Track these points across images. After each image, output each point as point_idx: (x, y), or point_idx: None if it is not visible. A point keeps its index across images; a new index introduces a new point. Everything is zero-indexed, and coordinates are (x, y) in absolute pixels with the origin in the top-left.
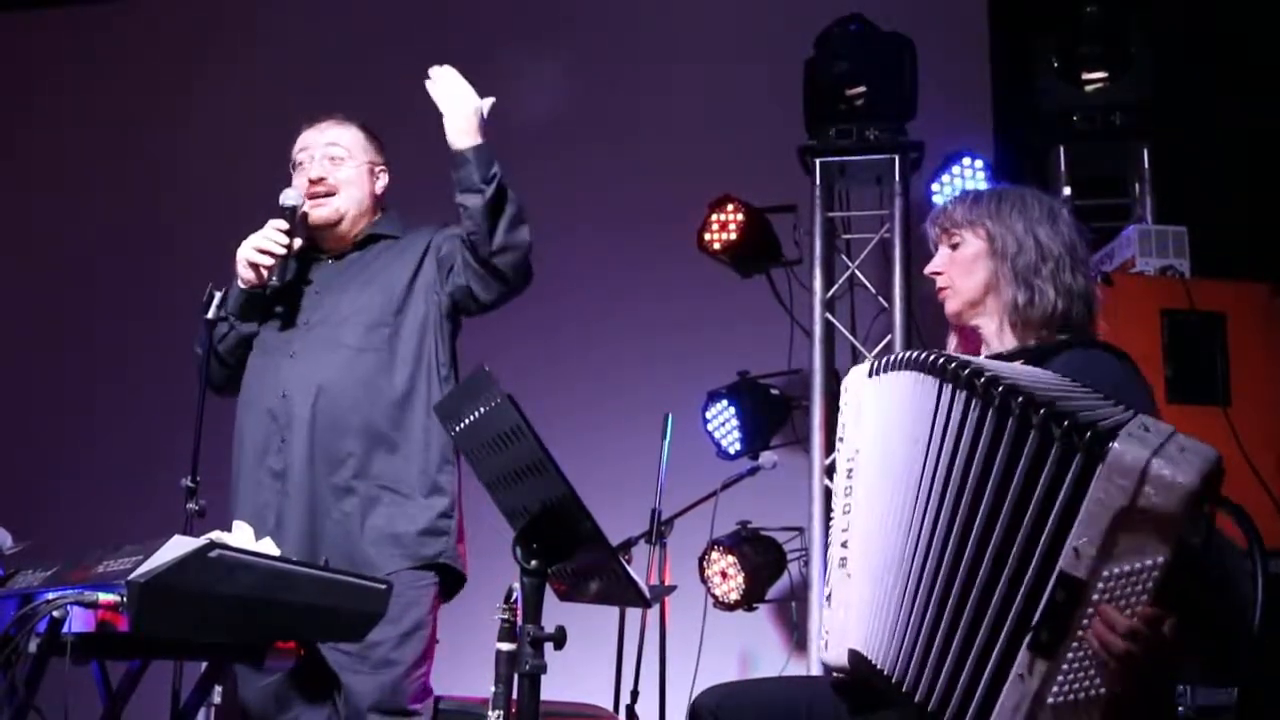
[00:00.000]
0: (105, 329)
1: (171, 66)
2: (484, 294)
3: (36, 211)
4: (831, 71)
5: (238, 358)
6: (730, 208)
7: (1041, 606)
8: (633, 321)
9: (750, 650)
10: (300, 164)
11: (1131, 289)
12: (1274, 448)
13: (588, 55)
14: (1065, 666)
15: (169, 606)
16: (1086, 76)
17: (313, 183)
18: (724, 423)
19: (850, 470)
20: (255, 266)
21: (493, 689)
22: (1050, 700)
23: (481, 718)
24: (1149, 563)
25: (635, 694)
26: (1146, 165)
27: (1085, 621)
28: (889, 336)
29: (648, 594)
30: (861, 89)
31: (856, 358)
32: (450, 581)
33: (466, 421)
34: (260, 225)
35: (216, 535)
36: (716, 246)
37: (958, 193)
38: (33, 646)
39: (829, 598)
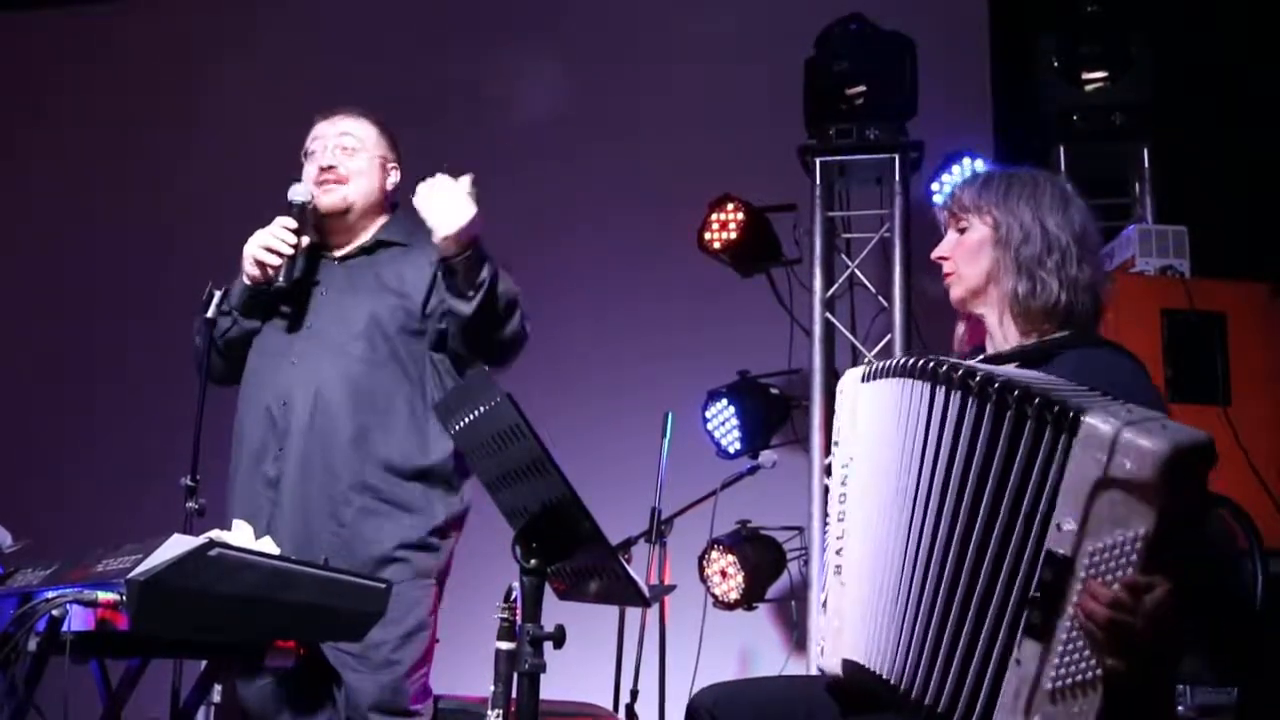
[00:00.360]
0: (105, 329)
1: (171, 66)
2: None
3: (36, 211)
4: (831, 71)
5: (239, 353)
6: (730, 207)
7: (1032, 588)
8: (633, 321)
9: (750, 649)
10: (312, 153)
11: (1131, 289)
12: (1274, 447)
13: (588, 55)
14: (1060, 649)
15: (168, 605)
16: (1086, 76)
17: (322, 170)
18: (724, 422)
19: (845, 477)
20: (262, 264)
21: (492, 688)
22: (1049, 686)
23: (481, 717)
24: (1130, 534)
25: (635, 693)
26: (1146, 165)
27: (1075, 599)
28: (889, 336)
29: (647, 593)
30: (861, 88)
31: (856, 357)
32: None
33: (466, 421)
34: (262, 225)
35: (216, 534)
36: (716, 246)
37: (971, 173)
38: (32, 645)
39: (824, 604)
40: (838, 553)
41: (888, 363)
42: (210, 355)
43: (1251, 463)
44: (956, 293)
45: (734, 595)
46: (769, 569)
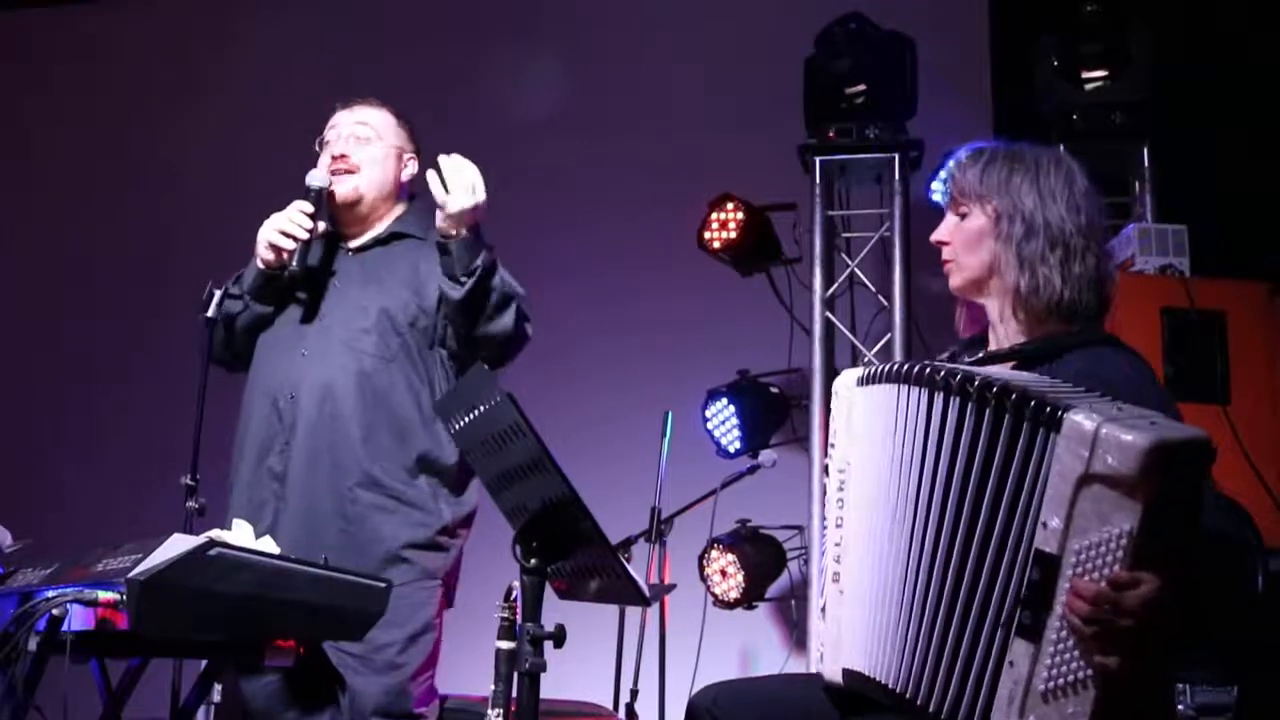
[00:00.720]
0: (105, 329)
1: (171, 66)
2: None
3: (36, 211)
4: (832, 70)
5: (250, 339)
6: (730, 206)
7: (1023, 588)
8: (633, 320)
9: (750, 648)
10: (327, 141)
11: (1131, 288)
12: (1274, 446)
13: (587, 54)
14: (1050, 649)
15: (168, 604)
16: (1086, 76)
17: (335, 159)
18: (724, 421)
19: (842, 483)
20: (276, 248)
21: (492, 687)
22: (1041, 687)
23: (481, 716)
24: (1116, 531)
25: (635, 692)
26: (1146, 165)
27: (1063, 598)
28: (889, 335)
29: (647, 592)
30: (862, 87)
31: (856, 356)
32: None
33: (466, 420)
34: (261, 224)
35: (216, 533)
36: (716, 245)
37: (972, 149)
38: (32, 644)
39: (823, 610)
40: (836, 560)
41: (883, 368)
42: (211, 351)
43: (1251, 462)
44: (956, 282)
45: (734, 594)
46: (769, 568)
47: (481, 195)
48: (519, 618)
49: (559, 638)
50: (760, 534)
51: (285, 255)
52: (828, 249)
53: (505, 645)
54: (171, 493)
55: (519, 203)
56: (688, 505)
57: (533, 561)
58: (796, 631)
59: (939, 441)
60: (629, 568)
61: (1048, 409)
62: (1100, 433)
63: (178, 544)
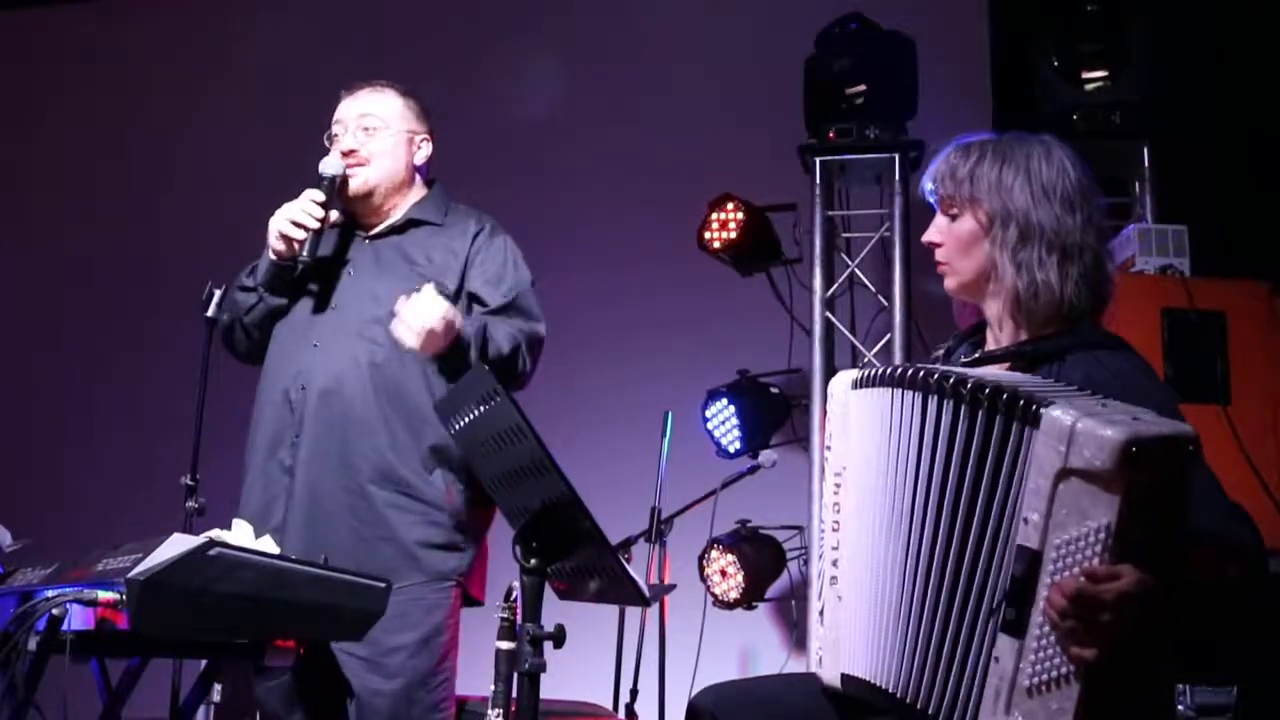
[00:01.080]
0: (105, 329)
1: (172, 66)
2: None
3: (36, 211)
4: (832, 70)
5: (265, 331)
6: (730, 206)
7: (1008, 584)
8: (633, 321)
9: (750, 649)
10: (336, 136)
11: (1131, 288)
12: (1274, 447)
13: (588, 54)
14: (1034, 644)
15: (168, 604)
16: (1086, 75)
17: (344, 154)
18: (724, 421)
19: (838, 487)
20: (287, 238)
21: (492, 687)
22: (1026, 682)
23: (481, 716)
24: (1094, 525)
25: (635, 692)
26: (1146, 165)
27: (1045, 594)
28: (889, 335)
29: (647, 593)
30: (862, 87)
31: (856, 356)
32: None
33: (466, 420)
34: (261, 225)
35: (216, 533)
36: (716, 245)
37: (960, 143)
38: (32, 644)
39: (821, 613)
40: (833, 563)
41: (877, 371)
42: (209, 352)
43: (1251, 462)
44: (950, 284)
45: (734, 595)
46: (769, 568)
47: (431, 326)
48: (519, 618)
49: (559, 638)
50: (760, 534)
51: (297, 245)
52: (828, 249)
53: (505, 645)
54: (171, 493)
55: (519, 203)
56: (688, 505)
57: (533, 562)
58: (796, 632)
59: (933, 444)
60: (629, 568)
61: (1027, 405)
62: (1077, 427)
63: (178, 544)
